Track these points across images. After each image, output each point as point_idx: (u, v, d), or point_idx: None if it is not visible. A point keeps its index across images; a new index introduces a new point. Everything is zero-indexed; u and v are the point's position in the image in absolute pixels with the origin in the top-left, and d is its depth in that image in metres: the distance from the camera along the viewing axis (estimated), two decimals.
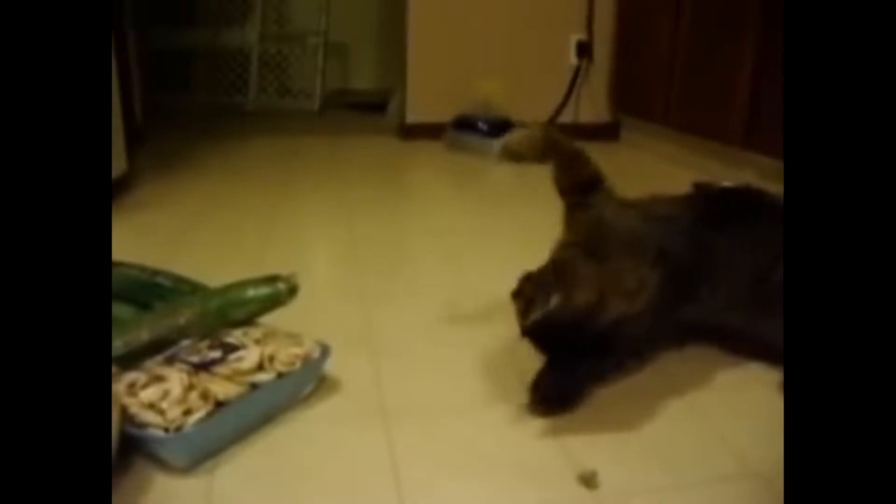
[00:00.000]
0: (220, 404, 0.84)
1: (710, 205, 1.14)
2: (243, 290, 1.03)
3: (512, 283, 0.92)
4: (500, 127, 2.72)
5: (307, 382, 0.96)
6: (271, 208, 1.94)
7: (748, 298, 1.01)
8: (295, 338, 0.98)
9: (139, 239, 1.63)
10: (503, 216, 1.93)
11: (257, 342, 0.95)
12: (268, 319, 1.04)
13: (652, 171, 2.54)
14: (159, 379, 0.86)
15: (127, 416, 0.81)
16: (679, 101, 2.45)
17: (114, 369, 0.87)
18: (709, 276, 1.00)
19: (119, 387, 0.85)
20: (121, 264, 1.15)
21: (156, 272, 1.16)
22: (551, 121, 2.97)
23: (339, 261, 1.58)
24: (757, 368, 1.06)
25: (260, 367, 0.91)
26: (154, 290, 1.12)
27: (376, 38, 3.92)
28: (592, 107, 3.02)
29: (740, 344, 1.09)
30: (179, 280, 1.14)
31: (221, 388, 0.86)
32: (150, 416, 0.81)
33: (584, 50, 2.95)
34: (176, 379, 0.86)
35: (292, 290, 1.04)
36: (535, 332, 0.90)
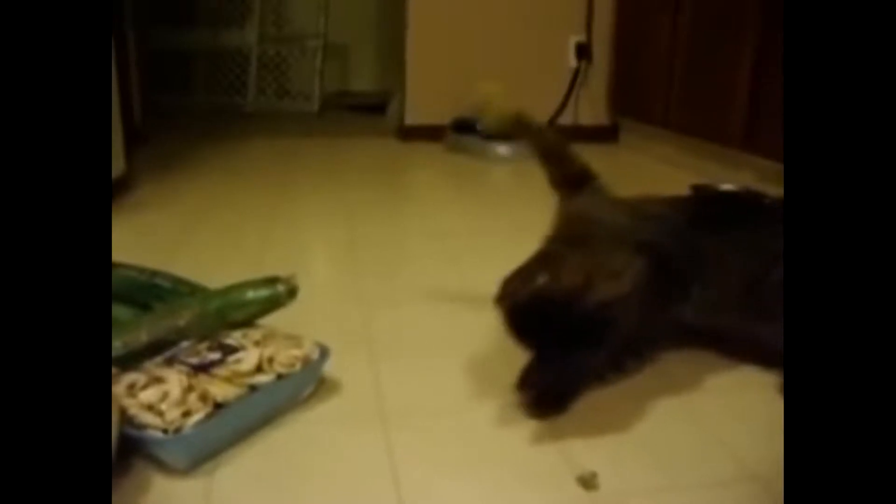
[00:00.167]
0: (219, 406, 0.84)
1: (703, 207, 1.14)
2: (243, 292, 1.03)
3: None
4: None
5: (306, 384, 0.96)
6: (271, 209, 1.94)
7: (742, 300, 1.01)
8: (294, 339, 0.97)
9: (138, 240, 1.63)
10: (502, 218, 1.93)
11: (256, 344, 0.95)
12: (267, 321, 1.04)
13: (651, 172, 2.54)
14: (158, 380, 0.86)
15: (126, 418, 0.81)
16: (678, 103, 2.45)
17: (113, 370, 0.87)
18: (700, 275, 1.00)
19: (118, 388, 0.85)
20: (120, 265, 1.15)
21: (155, 273, 1.16)
22: (551, 122, 2.98)
23: (338, 262, 1.58)
24: (754, 371, 1.06)
25: (259, 369, 0.91)
26: (153, 292, 1.12)
27: (375, 39, 3.92)
28: (591, 109, 3.02)
29: (734, 346, 1.09)
30: (178, 281, 1.14)
31: (221, 390, 0.86)
32: (149, 418, 0.81)
33: (583, 52, 2.95)
34: (175, 380, 0.86)
35: (292, 292, 1.04)
36: (521, 315, 0.87)
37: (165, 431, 0.80)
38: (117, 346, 0.93)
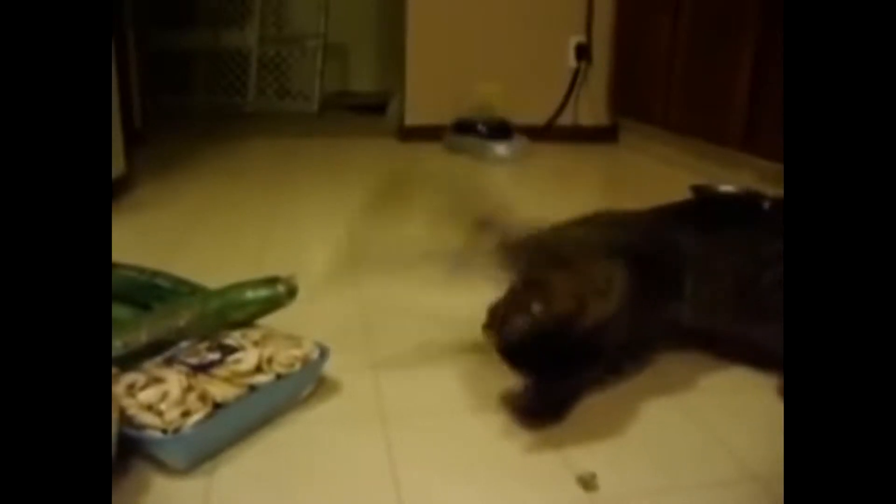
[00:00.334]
0: (218, 406, 0.84)
1: (685, 209, 1.14)
2: (242, 292, 1.03)
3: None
4: (499, 129, 2.73)
5: (306, 384, 0.96)
6: (270, 210, 1.94)
7: (735, 301, 1.01)
8: (294, 339, 0.97)
9: (138, 240, 1.63)
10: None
11: (256, 344, 0.95)
12: (267, 321, 1.04)
13: (650, 173, 2.54)
14: (158, 380, 0.86)
15: (125, 418, 0.81)
16: (678, 104, 2.46)
17: (112, 370, 0.87)
18: (690, 271, 1.00)
19: (118, 388, 0.85)
20: (119, 265, 1.15)
21: (155, 273, 1.16)
22: (550, 123, 2.98)
23: (338, 263, 1.58)
24: (749, 372, 1.06)
25: (259, 369, 0.91)
26: (153, 292, 1.12)
27: (375, 39, 3.92)
28: (591, 109, 3.02)
29: (728, 347, 1.09)
30: (178, 281, 1.14)
31: (220, 390, 0.86)
32: (148, 418, 0.81)
33: (583, 52, 2.96)
34: (174, 380, 0.86)
35: (291, 292, 1.04)
36: (517, 346, 0.86)
37: (165, 431, 0.80)
38: (117, 345, 0.93)
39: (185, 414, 0.82)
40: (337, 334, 1.06)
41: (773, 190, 1.12)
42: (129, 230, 1.68)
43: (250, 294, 1.03)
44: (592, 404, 0.97)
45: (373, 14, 3.90)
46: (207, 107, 3.57)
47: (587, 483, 0.81)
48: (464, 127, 2.78)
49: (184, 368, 0.90)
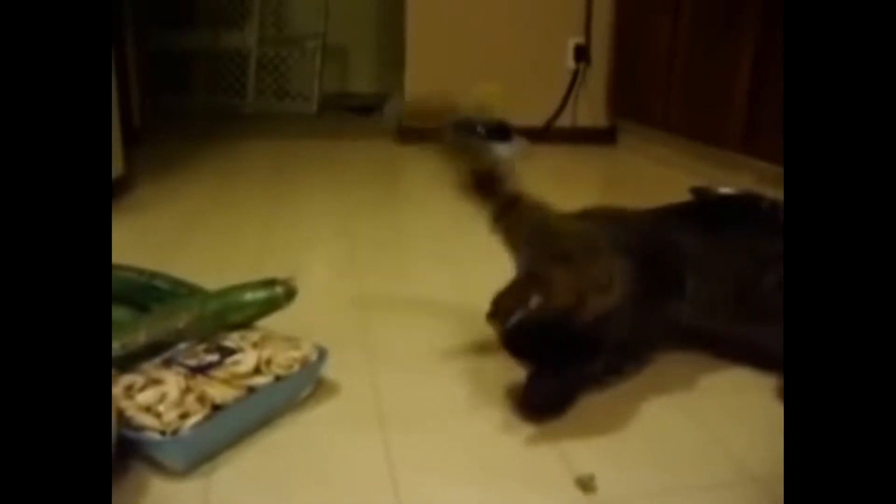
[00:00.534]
0: (217, 408, 0.84)
1: (686, 209, 1.14)
2: (241, 294, 1.03)
3: None
4: (498, 131, 2.72)
5: (304, 386, 0.96)
6: (269, 211, 1.94)
7: (736, 302, 1.01)
8: (292, 341, 0.97)
9: (136, 241, 1.62)
10: None
11: (255, 345, 0.95)
12: (265, 323, 1.04)
13: (649, 174, 2.54)
14: (156, 382, 0.86)
15: (124, 419, 0.81)
16: (677, 105, 2.46)
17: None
18: (693, 271, 1.00)
19: (116, 389, 0.85)
20: (118, 266, 1.15)
21: (153, 275, 1.16)
22: (549, 124, 2.98)
23: (336, 264, 1.58)
24: (749, 372, 1.06)
25: (257, 371, 0.91)
26: (151, 293, 1.12)
27: (374, 40, 3.92)
28: (590, 110, 3.02)
29: (728, 348, 1.09)
30: (177, 283, 1.14)
31: (218, 392, 0.86)
32: (146, 420, 0.81)
33: (581, 54, 2.96)
34: (173, 382, 0.86)
35: (290, 294, 1.04)
36: (518, 336, 0.88)
37: (163, 433, 0.79)
38: (116, 347, 0.92)
39: (184, 415, 0.81)
40: (335, 336, 1.06)
41: (773, 192, 1.12)
42: (128, 231, 1.68)
43: (249, 296, 1.03)
44: (592, 404, 0.97)
45: (372, 15, 3.91)
46: (206, 107, 3.57)
47: (585, 484, 0.81)
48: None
49: (182, 370, 0.90)
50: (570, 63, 2.97)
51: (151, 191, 2.10)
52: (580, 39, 2.95)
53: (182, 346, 0.96)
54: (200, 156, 2.58)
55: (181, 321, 0.98)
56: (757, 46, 2.03)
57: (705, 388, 1.03)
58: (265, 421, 0.91)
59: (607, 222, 1.05)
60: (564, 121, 3.00)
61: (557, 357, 0.90)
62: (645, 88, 2.67)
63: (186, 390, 0.85)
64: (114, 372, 0.88)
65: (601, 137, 2.99)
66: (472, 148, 1.08)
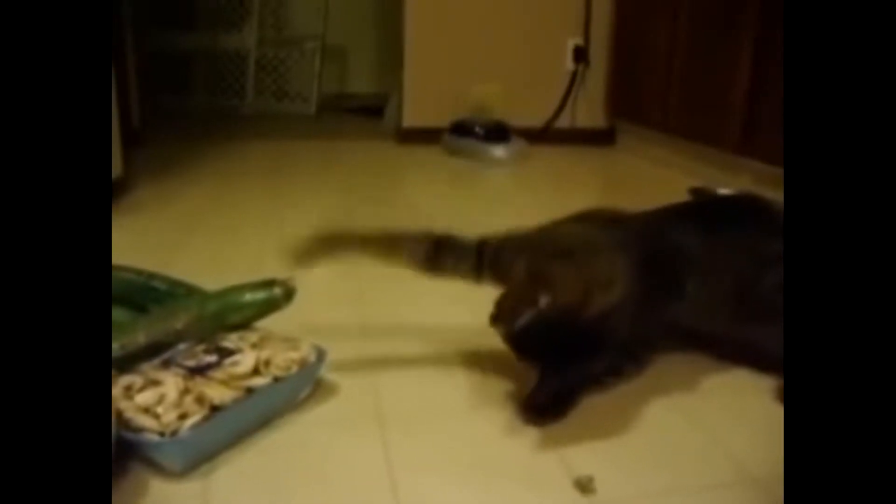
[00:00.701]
0: (215, 408, 0.84)
1: (686, 209, 1.14)
2: (240, 295, 1.03)
3: None
4: (497, 131, 2.73)
5: (303, 387, 0.96)
6: (269, 211, 1.94)
7: (735, 303, 1.01)
8: (291, 342, 0.97)
9: (136, 241, 1.62)
10: (501, 220, 1.92)
11: (253, 346, 0.95)
12: (264, 323, 1.04)
13: (648, 176, 2.54)
14: (155, 383, 0.86)
15: (122, 420, 0.80)
16: (676, 107, 2.46)
17: None
18: (693, 271, 1.00)
19: (115, 390, 0.84)
20: (117, 267, 1.15)
21: (152, 275, 1.16)
22: (548, 125, 2.98)
23: (335, 265, 1.57)
24: (748, 374, 1.06)
25: (256, 372, 0.91)
26: (150, 294, 1.11)
27: (374, 41, 3.92)
28: (589, 111, 3.02)
29: (727, 349, 1.09)
30: (176, 283, 1.14)
31: (217, 393, 0.86)
32: (145, 421, 0.81)
33: (580, 55, 2.96)
34: (171, 383, 0.86)
35: (289, 295, 1.04)
36: (525, 337, 0.88)
37: (162, 434, 0.79)
38: (115, 348, 0.92)
39: (182, 416, 0.81)
40: (334, 336, 1.06)
41: (771, 193, 1.12)
42: (127, 232, 1.67)
43: (248, 297, 1.03)
44: (592, 405, 0.97)
45: (371, 16, 3.91)
46: (206, 108, 3.57)
47: (584, 486, 0.81)
48: (461, 129, 2.78)
49: (181, 371, 0.90)
50: (569, 64, 2.97)
51: (150, 191, 2.09)
52: (579, 40, 2.95)
53: (181, 346, 0.96)
54: (200, 156, 2.58)
55: (180, 322, 0.98)
56: (756, 47, 2.03)
57: (705, 389, 1.03)
58: (264, 422, 0.91)
59: (605, 224, 1.05)
60: (563, 122, 3.00)
61: (563, 354, 0.90)
62: (644, 89, 2.67)
63: (185, 391, 0.85)
64: (113, 373, 0.88)
65: (600, 138, 2.99)
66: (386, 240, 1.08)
